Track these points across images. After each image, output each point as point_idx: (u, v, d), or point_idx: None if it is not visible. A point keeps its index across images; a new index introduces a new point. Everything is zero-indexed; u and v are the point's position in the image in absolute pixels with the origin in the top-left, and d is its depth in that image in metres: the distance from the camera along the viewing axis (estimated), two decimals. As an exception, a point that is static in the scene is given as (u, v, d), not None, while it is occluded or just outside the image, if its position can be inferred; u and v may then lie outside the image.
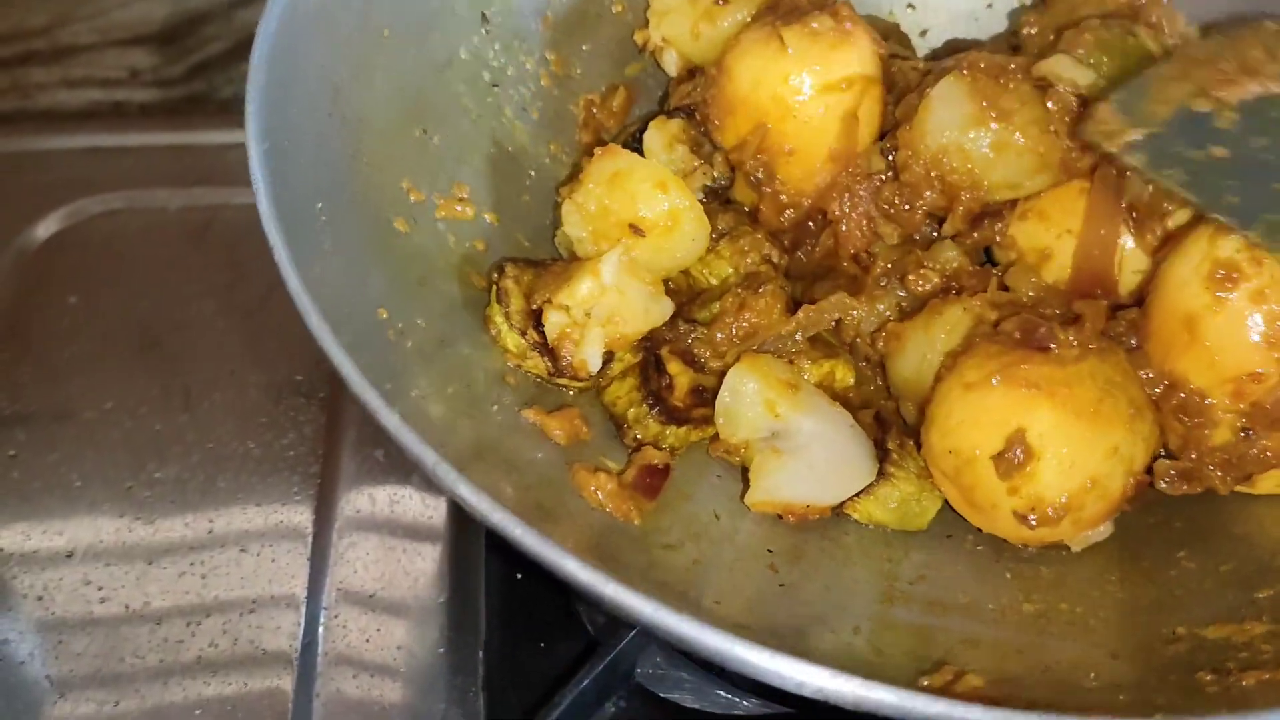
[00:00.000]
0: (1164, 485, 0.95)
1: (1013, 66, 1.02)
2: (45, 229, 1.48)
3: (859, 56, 1.07)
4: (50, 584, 1.17)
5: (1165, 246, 1.00)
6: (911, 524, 1.00)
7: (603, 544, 0.84)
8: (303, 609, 1.16)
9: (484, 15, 1.17)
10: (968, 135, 1.04)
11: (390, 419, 0.70)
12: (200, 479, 1.26)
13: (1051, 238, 1.08)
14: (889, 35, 1.31)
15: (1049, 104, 1.01)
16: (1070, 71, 1.01)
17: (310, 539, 1.22)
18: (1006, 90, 1.02)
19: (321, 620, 1.15)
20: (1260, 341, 0.89)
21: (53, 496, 1.24)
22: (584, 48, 1.27)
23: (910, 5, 1.38)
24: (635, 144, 1.16)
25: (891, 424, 1.05)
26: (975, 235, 1.12)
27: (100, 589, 1.17)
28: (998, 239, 1.12)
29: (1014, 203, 1.11)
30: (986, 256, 1.16)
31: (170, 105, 1.75)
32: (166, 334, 1.39)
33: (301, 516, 1.23)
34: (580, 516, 0.87)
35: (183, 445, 1.29)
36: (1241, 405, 0.91)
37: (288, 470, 1.27)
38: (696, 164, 1.14)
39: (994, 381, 0.92)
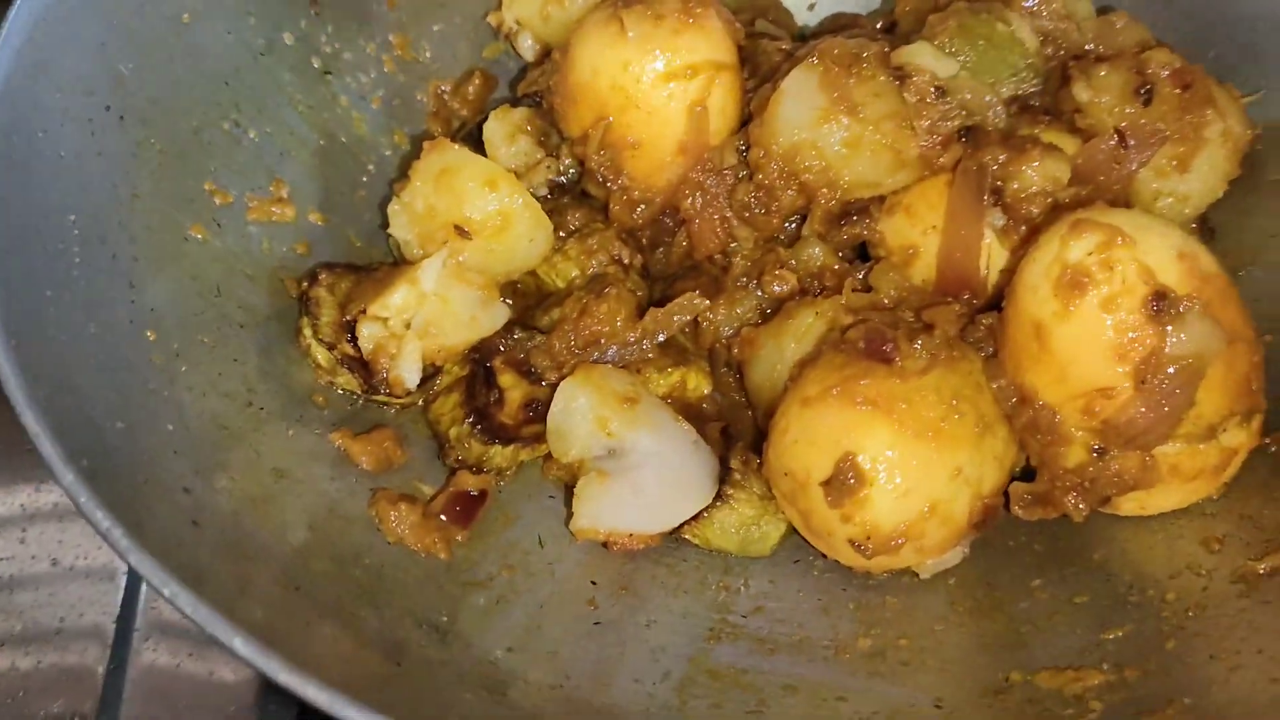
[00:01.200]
0: (1019, 510, 0.88)
1: (866, 55, 0.94)
2: None
3: (708, 41, 0.99)
4: None
5: (1025, 244, 0.93)
6: (752, 550, 0.92)
7: (378, 603, 0.76)
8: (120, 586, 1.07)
9: (313, -5, 1.08)
10: (820, 131, 0.95)
11: (65, 475, 0.60)
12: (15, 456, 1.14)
13: (918, 234, 1.00)
14: (766, 11, 1.22)
15: (907, 96, 0.93)
16: (930, 61, 0.93)
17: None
18: (860, 81, 0.94)
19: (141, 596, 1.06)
20: (1110, 354, 0.81)
21: None
22: (435, 29, 1.17)
23: (795, -24, 1.30)
24: (479, 134, 1.08)
25: (737, 439, 0.98)
26: (843, 232, 1.04)
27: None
28: (867, 235, 1.05)
29: (883, 198, 1.04)
30: (861, 252, 1.09)
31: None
32: None
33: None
34: (360, 564, 0.79)
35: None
36: (1093, 423, 0.83)
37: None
38: (540, 157, 1.05)
39: (831, 396, 0.85)
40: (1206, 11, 1.13)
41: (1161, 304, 0.79)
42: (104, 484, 0.60)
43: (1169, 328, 0.79)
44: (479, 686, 0.72)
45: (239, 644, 0.56)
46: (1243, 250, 1.04)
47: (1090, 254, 0.83)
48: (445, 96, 1.16)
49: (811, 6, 1.29)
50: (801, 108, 0.97)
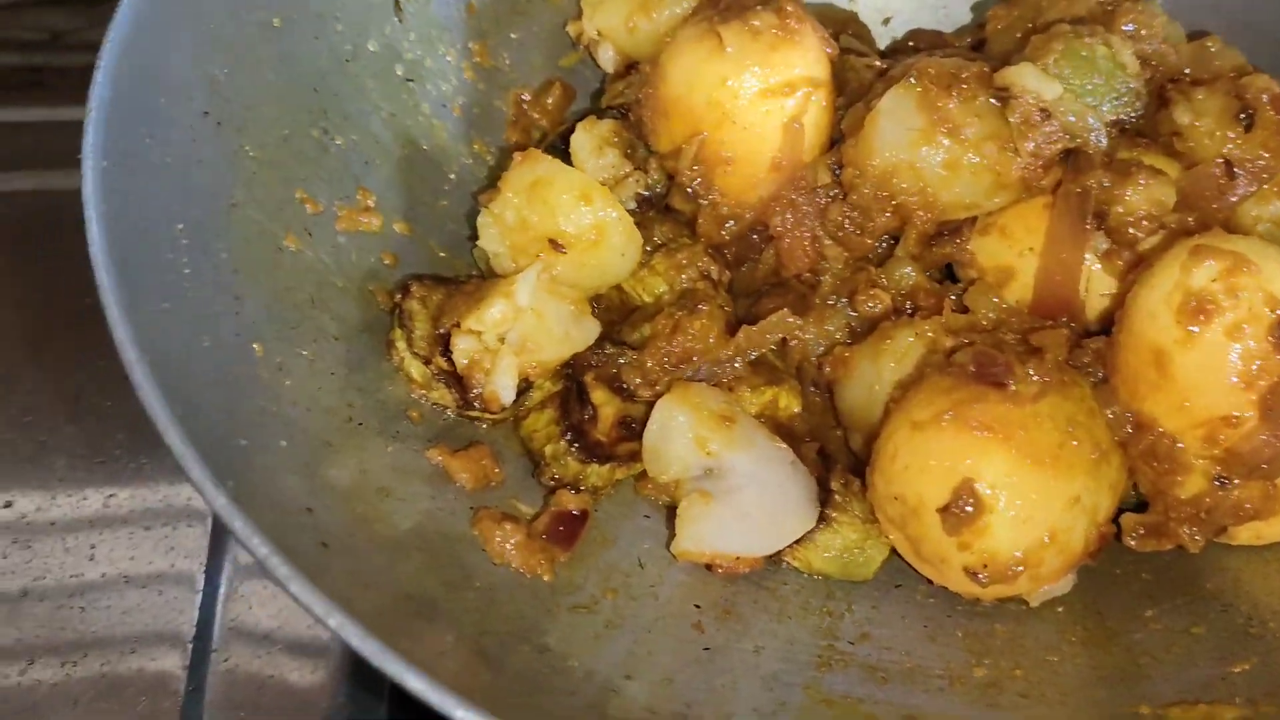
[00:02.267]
0: (1131, 542, 0.87)
1: (966, 75, 0.93)
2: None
3: (805, 57, 0.97)
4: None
5: (1135, 270, 0.91)
6: (855, 574, 0.91)
7: (490, 628, 0.74)
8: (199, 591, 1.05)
9: (397, 3, 1.06)
10: (919, 152, 0.94)
11: (216, 498, 0.58)
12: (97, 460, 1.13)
13: (1014, 255, 0.99)
14: (846, 25, 1.21)
15: (1010, 117, 0.91)
16: (1035, 82, 0.91)
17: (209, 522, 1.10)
18: (960, 102, 0.92)
19: (219, 603, 1.05)
20: (1237, 381, 0.80)
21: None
22: (513, 37, 1.16)
23: (871, -8, 1.28)
24: (564, 146, 1.06)
25: (836, 461, 0.96)
26: (933, 252, 1.03)
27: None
28: (957, 255, 1.03)
29: (974, 217, 1.02)
30: (948, 272, 1.08)
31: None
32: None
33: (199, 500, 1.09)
34: (467, 592, 0.77)
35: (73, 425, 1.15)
36: (1215, 451, 0.82)
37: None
38: (628, 170, 1.03)
39: (944, 421, 0.83)
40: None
41: (1285, 330, 0.78)
42: (249, 506, 0.58)
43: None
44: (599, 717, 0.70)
45: (412, 680, 0.54)
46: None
47: (1214, 280, 0.81)
48: (525, 105, 1.14)
49: (886, 21, 1.28)
50: (899, 128, 0.95)
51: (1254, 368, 0.80)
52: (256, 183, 0.88)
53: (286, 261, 0.88)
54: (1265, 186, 0.99)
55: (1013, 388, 0.85)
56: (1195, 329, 0.81)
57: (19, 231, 1.35)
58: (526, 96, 1.15)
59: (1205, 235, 0.86)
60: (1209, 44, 1.06)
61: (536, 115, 1.15)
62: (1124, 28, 1.00)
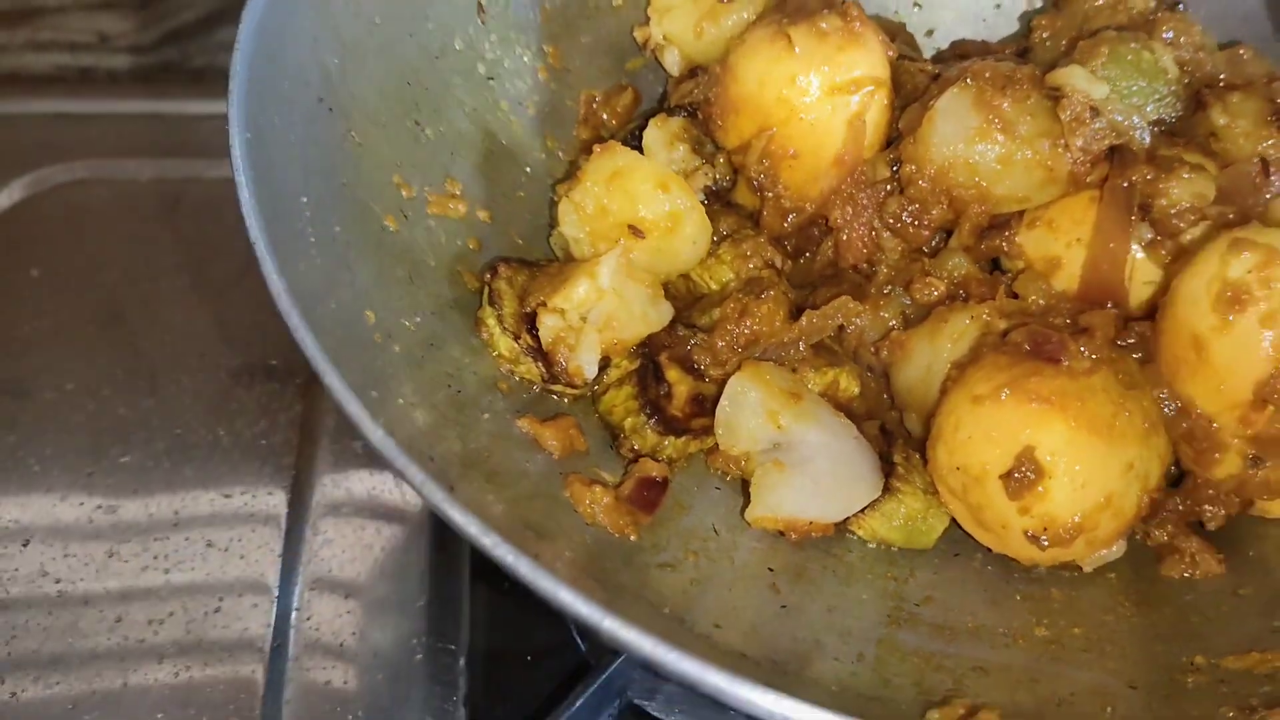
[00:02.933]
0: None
1: (1018, 76, 0.99)
2: (8, 197, 1.42)
3: (868, 58, 1.04)
4: (4, 571, 1.11)
5: (1178, 260, 0.98)
6: (918, 542, 0.96)
7: (596, 565, 0.80)
8: (274, 601, 1.11)
9: (480, 4, 1.12)
10: (974, 149, 1.00)
11: (374, 432, 0.65)
12: (166, 466, 1.19)
13: (1061, 247, 1.05)
14: (895, 35, 1.28)
15: (1062, 115, 0.98)
16: (1084, 83, 0.98)
17: (283, 530, 1.16)
18: (1014, 101, 0.99)
19: (294, 613, 1.10)
20: (1267, 367, 0.86)
21: (8, 479, 1.17)
22: (583, 40, 1.22)
23: (917, 4, 1.35)
24: (635, 142, 1.12)
25: (897, 436, 1.02)
26: (984, 244, 1.09)
27: (58, 580, 1.11)
28: (1005, 248, 1.09)
29: (1022, 212, 1.09)
30: (994, 265, 1.14)
31: (141, 72, 1.67)
32: (133, 311, 1.33)
33: (274, 507, 1.17)
34: (573, 534, 0.83)
35: (147, 430, 1.22)
36: (1249, 432, 0.88)
37: (259, 460, 1.20)
38: (698, 164, 1.10)
39: (1003, 395, 0.89)
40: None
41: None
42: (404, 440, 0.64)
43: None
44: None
45: (565, 594, 0.60)
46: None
47: (1250, 271, 0.88)
48: (596, 106, 1.20)
49: (930, 33, 1.35)
50: (956, 126, 1.02)
51: (1286, 353, 0.86)
52: (361, 166, 0.94)
53: (387, 240, 0.94)
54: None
55: (1066, 363, 0.91)
56: (1231, 317, 0.87)
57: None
58: (598, 97, 1.21)
59: (1244, 228, 0.92)
60: (1242, 51, 1.13)
61: (606, 115, 1.22)
62: (1164, 35, 1.06)
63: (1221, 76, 1.11)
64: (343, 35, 0.94)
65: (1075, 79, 1.00)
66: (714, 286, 1.09)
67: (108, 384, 1.26)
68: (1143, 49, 1.03)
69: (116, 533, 1.15)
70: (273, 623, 1.09)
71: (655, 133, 1.10)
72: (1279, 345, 0.87)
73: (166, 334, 1.31)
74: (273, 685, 1.05)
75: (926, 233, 1.07)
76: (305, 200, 0.82)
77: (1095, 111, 1.00)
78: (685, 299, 1.10)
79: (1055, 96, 1.00)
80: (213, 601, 1.10)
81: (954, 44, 1.31)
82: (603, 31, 1.24)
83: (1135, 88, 1.03)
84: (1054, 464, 0.87)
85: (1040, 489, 0.87)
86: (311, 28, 0.90)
